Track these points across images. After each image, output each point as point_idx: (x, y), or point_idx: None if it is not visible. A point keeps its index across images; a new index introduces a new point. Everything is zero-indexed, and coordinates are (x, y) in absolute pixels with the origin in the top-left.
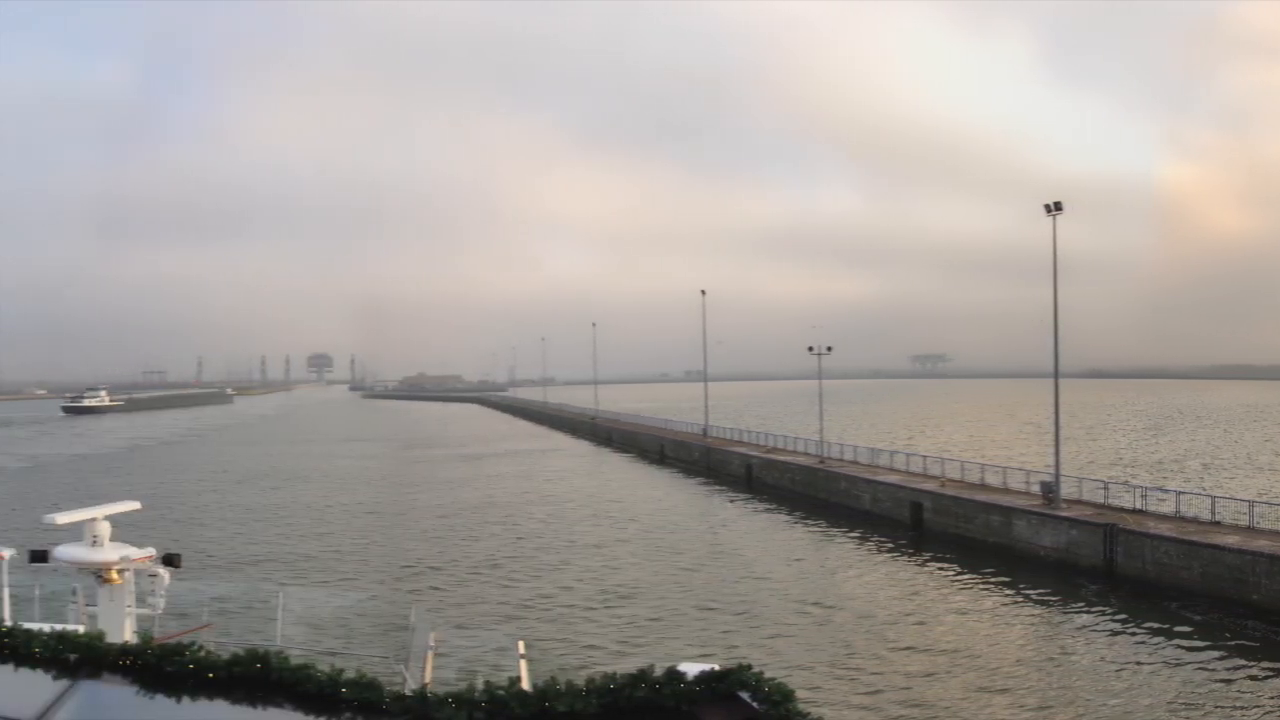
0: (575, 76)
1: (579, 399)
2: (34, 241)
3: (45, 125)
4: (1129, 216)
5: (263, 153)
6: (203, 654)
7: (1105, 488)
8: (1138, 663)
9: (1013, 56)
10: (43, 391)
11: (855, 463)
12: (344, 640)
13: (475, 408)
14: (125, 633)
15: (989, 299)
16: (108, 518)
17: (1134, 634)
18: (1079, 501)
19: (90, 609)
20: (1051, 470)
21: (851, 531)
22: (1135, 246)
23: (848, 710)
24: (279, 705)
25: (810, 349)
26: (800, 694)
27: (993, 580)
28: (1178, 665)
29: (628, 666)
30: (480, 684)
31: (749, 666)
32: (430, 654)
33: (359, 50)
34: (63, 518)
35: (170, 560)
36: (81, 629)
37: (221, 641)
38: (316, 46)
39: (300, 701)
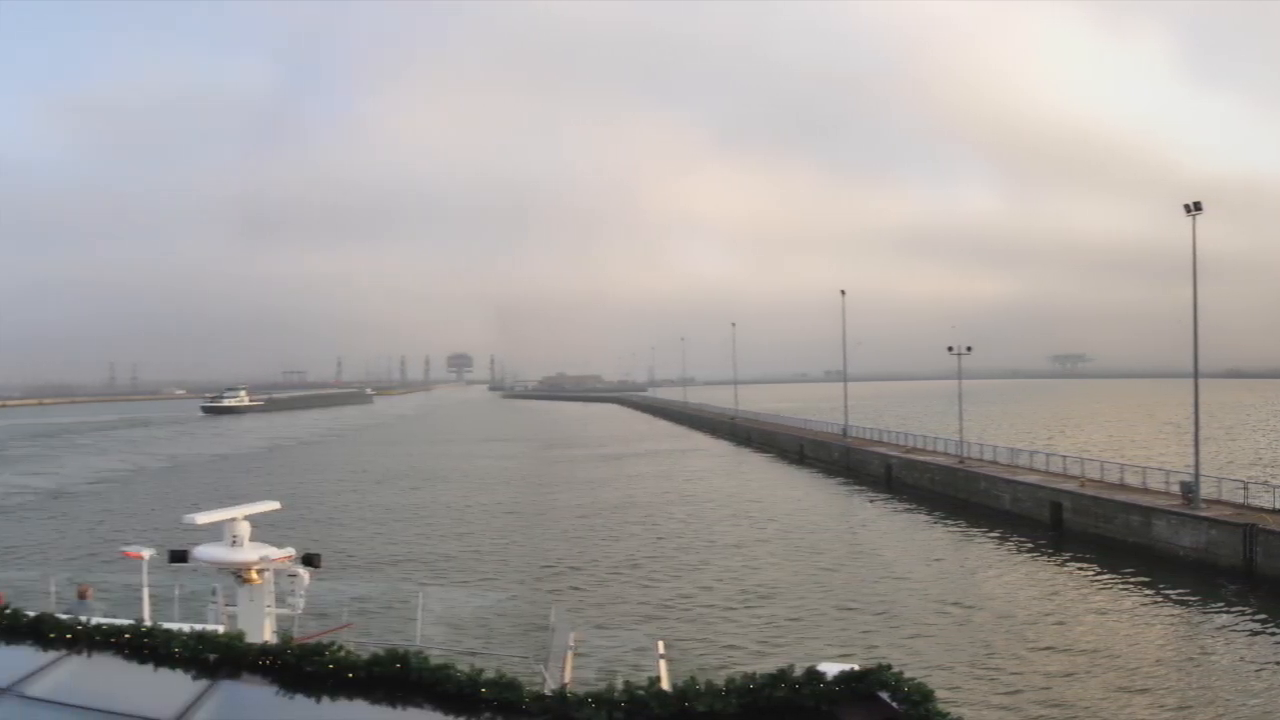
0: (716, 76)
1: (718, 399)
2: (175, 241)
3: (188, 125)
4: (1269, 216)
5: (404, 153)
6: (342, 654)
7: (1245, 488)
8: (1278, 663)
9: (1151, 56)
10: (182, 391)
11: (995, 463)
12: (484, 640)
13: (615, 408)
14: (265, 633)
15: (1128, 299)
16: (247, 518)
17: (1274, 634)
18: (1218, 501)
19: (230, 609)
20: (1191, 470)
21: (991, 531)
22: (1276, 246)
23: (987, 710)
24: (418, 705)
25: (949, 349)
26: (940, 694)
27: (1132, 580)
28: None
29: (767, 666)
30: (620, 684)
31: (889, 666)
32: (570, 654)
33: (501, 50)
34: (202, 518)
35: (310, 560)
36: (221, 629)
37: (361, 641)
38: (459, 46)
39: (440, 701)
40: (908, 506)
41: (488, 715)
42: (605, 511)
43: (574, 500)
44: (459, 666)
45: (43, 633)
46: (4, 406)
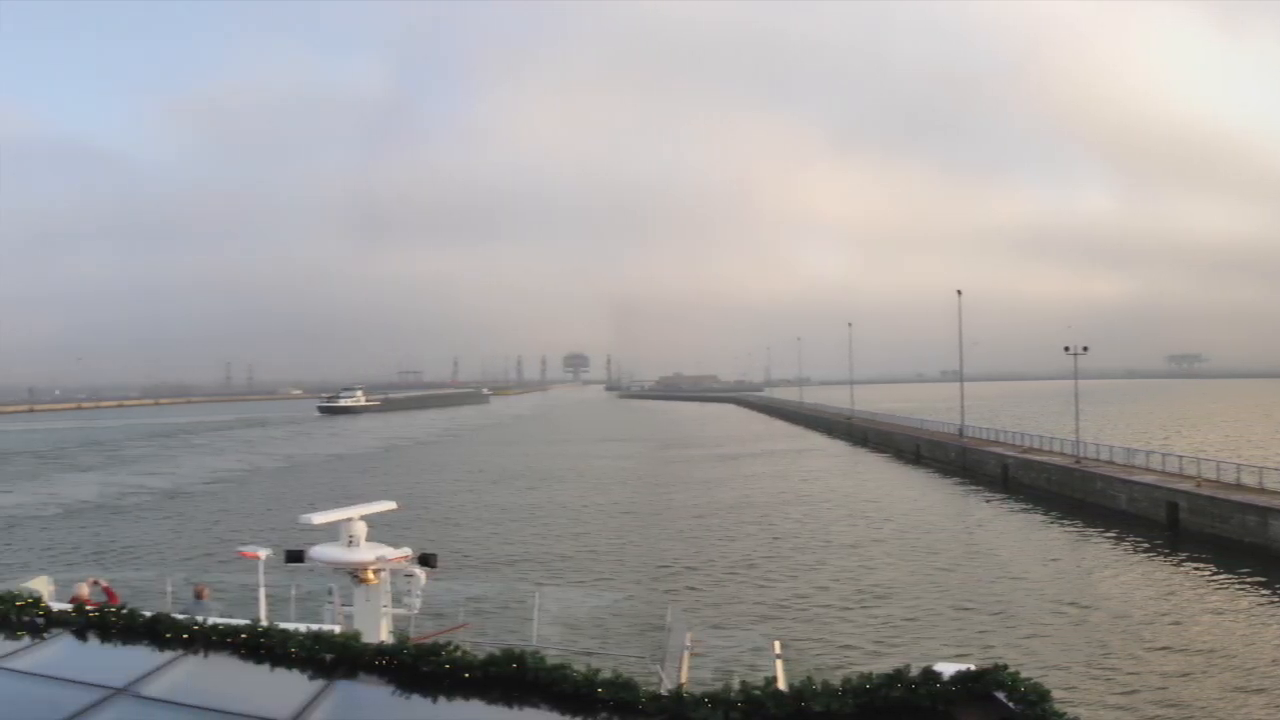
0: (830, 76)
1: (834, 399)
2: (291, 241)
3: (302, 125)
4: None
5: (518, 153)
6: (459, 654)
7: None
8: None
9: (1267, 54)
10: (299, 391)
11: (1111, 463)
12: (600, 640)
13: (731, 408)
14: (381, 633)
15: (1245, 299)
16: (364, 518)
17: None
18: None
19: (346, 609)
20: None
21: (1107, 531)
22: None
23: (1103, 710)
24: (535, 705)
25: (1066, 349)
26: (1056, 694)
27: (1248, 580)
28: None
29: (883, 666)
30: (736, 684)
31: (1005, 666)
32: (686, 654)
33: (614, 50)
34: (319, 518)
35: (426, 560)
36: (338, 629)
37: (477, 641)
38: (572, 46)
39: (556, 701)
40: (1024, 506)
41: (604, 715)
42: (721, 511)
43: (690, 500)
44: (575, 666)
45: (159, 633)
46: (121, 406)
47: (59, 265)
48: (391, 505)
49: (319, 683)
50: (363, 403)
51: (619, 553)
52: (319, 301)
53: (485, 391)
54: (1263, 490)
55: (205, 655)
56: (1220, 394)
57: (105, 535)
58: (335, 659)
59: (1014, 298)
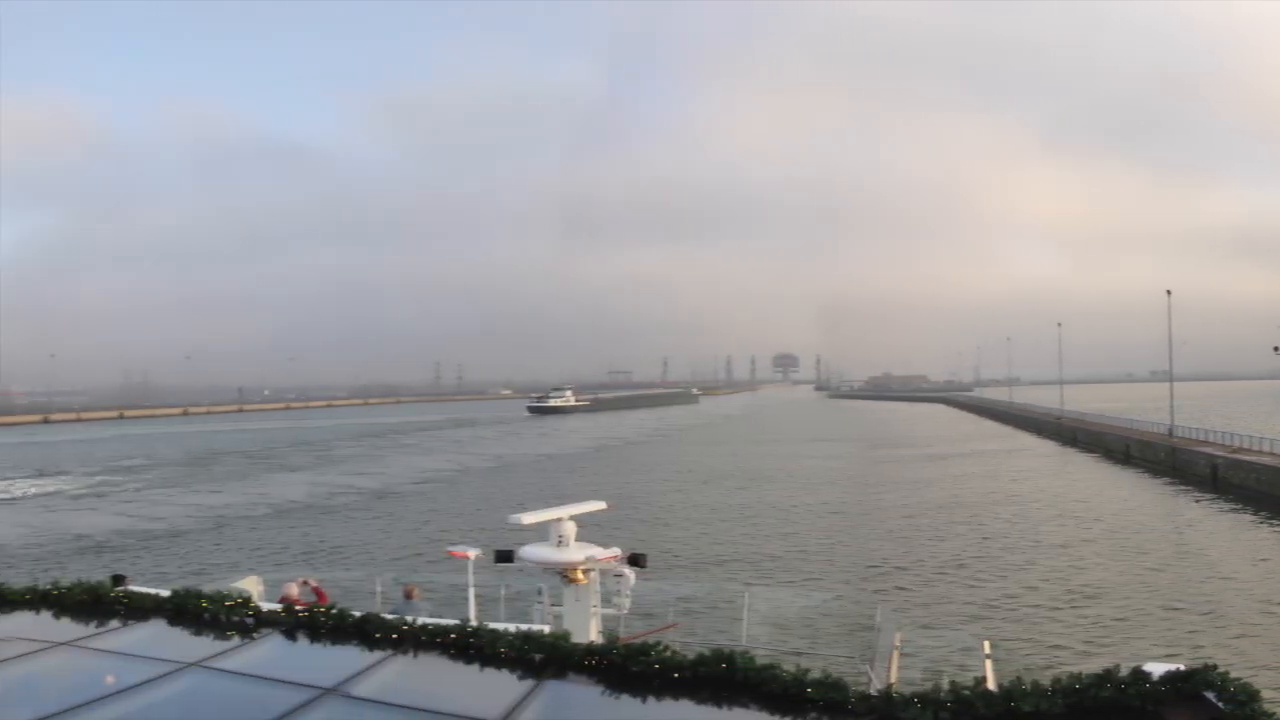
0: (1041, 76)
1: (1043, 399)
2: (500, 241)
3: (511, 125)
4: None
5: (728, 153)
6: (668, 654)
7: None
8: None
9: None
10: (508, 391)
11: None
12: (809, 640)
13: (940, 408)
14: (591, 633)
15: None
16: (573, 518)
17: None
18: None
19: (556, 609)
20: None
21: None
22: None
23: None
24: (744, 705)
25: (1276, 349)
26: (1266, 694)
27: None
28: None
29: (1093, 666)
30: (945, 684)
31: (1214, 666)
32: (895, 654)
33: (824, 50)
34: (528, 518)
35: (636, 560)
36: (547, 629)
37: (686, 642)
38: (782, 46)
39: (765, 701)
40: (1233, 506)
41: (813, 715)
42: (931, 511)
43: (900, 500)
44: (784, 666)
45: (368, 633)
46: (330, 406)
47: (269, 265)
48: (601, 505)
49: (528, 683)
50: (572, 403)
51: (828, 553)
52: (528, 301)
53: (694, 392)
54: None
55: (414, 655)
56: None
57: (314, 535)
58: (544, 659)
59: (1223, 297)
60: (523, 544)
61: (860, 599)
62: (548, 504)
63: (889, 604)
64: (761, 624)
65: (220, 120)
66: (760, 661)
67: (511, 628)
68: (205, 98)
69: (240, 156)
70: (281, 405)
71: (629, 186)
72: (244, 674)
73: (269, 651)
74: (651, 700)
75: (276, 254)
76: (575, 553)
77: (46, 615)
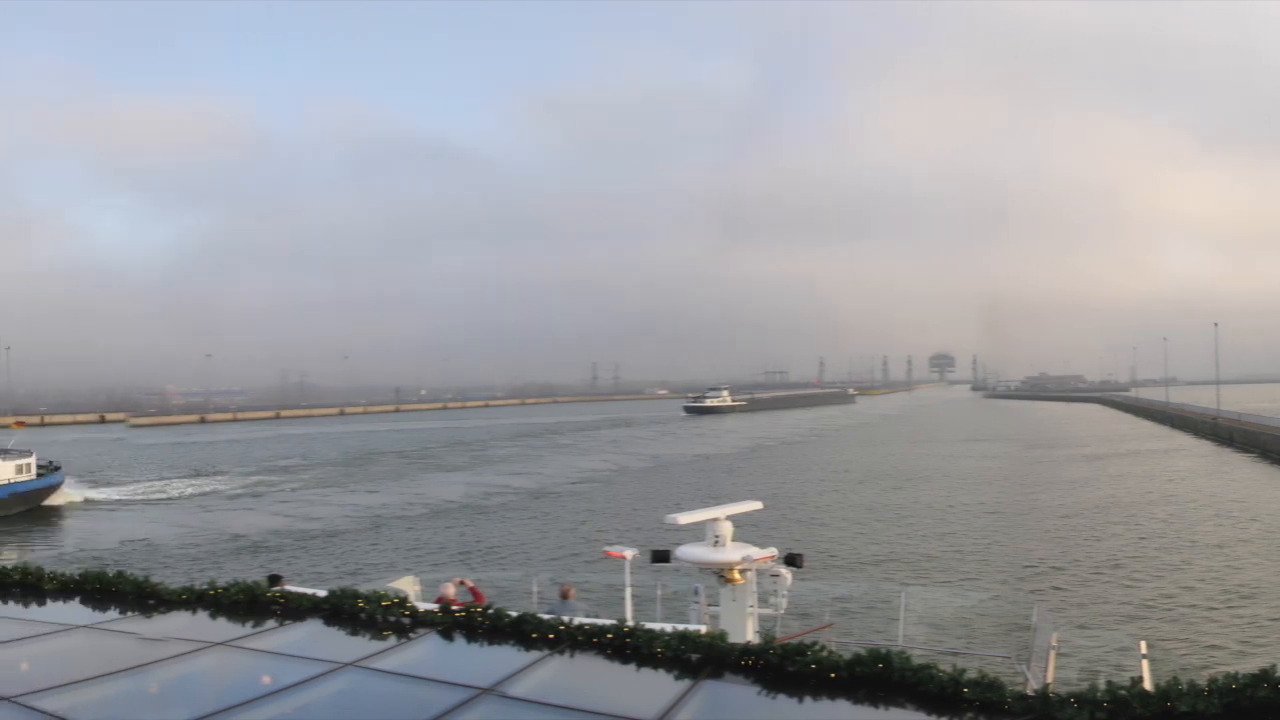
0: (1201, 76)
1: (1200, 399)
2: (655, 241)
3: (664, 125)
4: None
5: (883, 153)
6: (824, 654)
7: None
8: None
9: None
10: (664, 391)
11: None
12: (965, 640)
13: (1096, 408)
14: (747, 633)
15: None
16: (729, 518)
17: None
18: None
19: (712, 609)
20: None
21: None
22: None
23: None
24: (900, 705)
25: None
26: None
27: None
28: None
29: (1249, 666)
30: (1102, 684)
31: None
32: (1052, 654)
33: (981, 49)
34: (684, 518)
35: (792, 560)
36: (704, 629)
37: (843, 641)
38: (938, 45)
39: (922, 701)
40: None
41: (970, 715)
42: (1087, 511)
43: (1056, 500)
44: (940, 666)
45: (525, 633)
46: (486, 406)
47: (425, 264)
48: (757, 505)
49: (685, 682)
50: (728, 403)
51: (984, 552)
52: (684, 301)
53: (850, 392)
54: None
55: (571, 655)
56: None
57: (470, 535)
58: (701, 659)
59: None
60: (680, 544)
61: (1016, 599)
62: (704, 504)
63: (1045, 604)
64: (918, 624)
65: (374, 120)
66: (916, 661)
67: (668, 628)
68: (358, 98)
69: (394, 156)
70: (438, 405)
71: (784, 186)
72: (400, 674)
73: (426, 651)
74: (808, 700)
75: (432, 253)
76: (731, 553)
77: (203, 615)
